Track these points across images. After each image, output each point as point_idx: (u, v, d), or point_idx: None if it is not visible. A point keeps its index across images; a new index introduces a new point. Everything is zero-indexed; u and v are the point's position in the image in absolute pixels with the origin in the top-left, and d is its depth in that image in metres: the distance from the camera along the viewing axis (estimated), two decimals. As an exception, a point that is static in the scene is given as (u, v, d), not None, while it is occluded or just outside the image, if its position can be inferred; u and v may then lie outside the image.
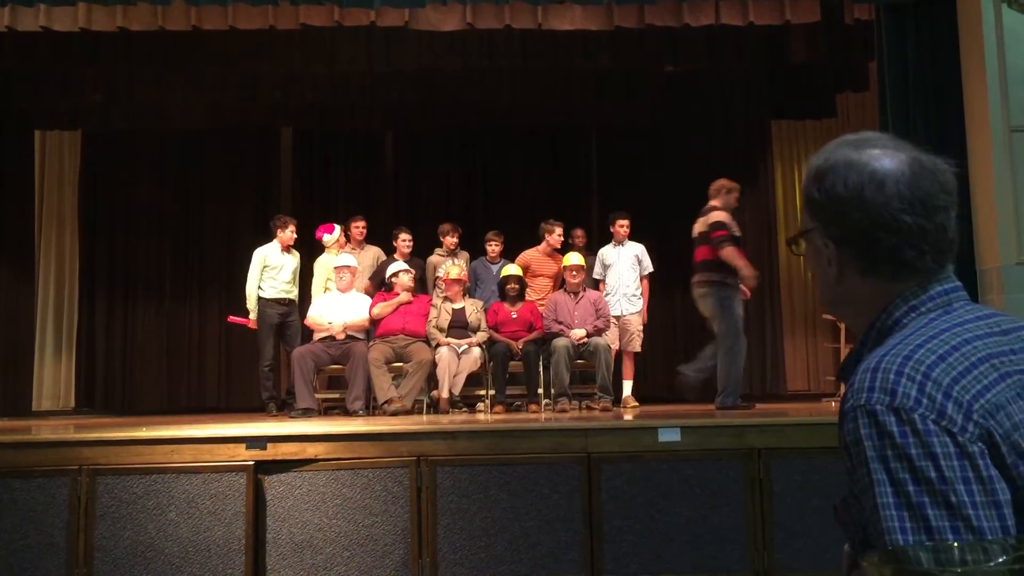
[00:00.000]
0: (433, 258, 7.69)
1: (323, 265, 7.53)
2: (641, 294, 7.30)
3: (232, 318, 7.60)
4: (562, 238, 7.50)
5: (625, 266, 7.27)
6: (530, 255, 7.50)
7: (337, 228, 7.68)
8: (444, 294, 7.14)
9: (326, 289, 7.41)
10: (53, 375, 9.52)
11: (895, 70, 6.20)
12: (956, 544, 0.90)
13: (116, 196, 9.61)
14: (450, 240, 7.62)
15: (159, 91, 8.41)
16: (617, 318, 7.13)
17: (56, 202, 9.70)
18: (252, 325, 7.26)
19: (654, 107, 9.32)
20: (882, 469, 0.98)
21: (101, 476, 4.48)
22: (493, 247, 7.58)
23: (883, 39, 6.24)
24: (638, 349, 7.28)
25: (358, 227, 7.79)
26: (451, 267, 7.17)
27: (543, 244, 7.48)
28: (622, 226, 7.34)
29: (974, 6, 5.91)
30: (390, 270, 7.16)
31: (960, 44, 6.08)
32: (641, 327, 7.27)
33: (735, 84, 8.74)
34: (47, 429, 5.92)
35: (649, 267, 7.37)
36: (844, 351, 7.69)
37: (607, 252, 7.39)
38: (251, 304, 7.21)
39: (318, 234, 7.69)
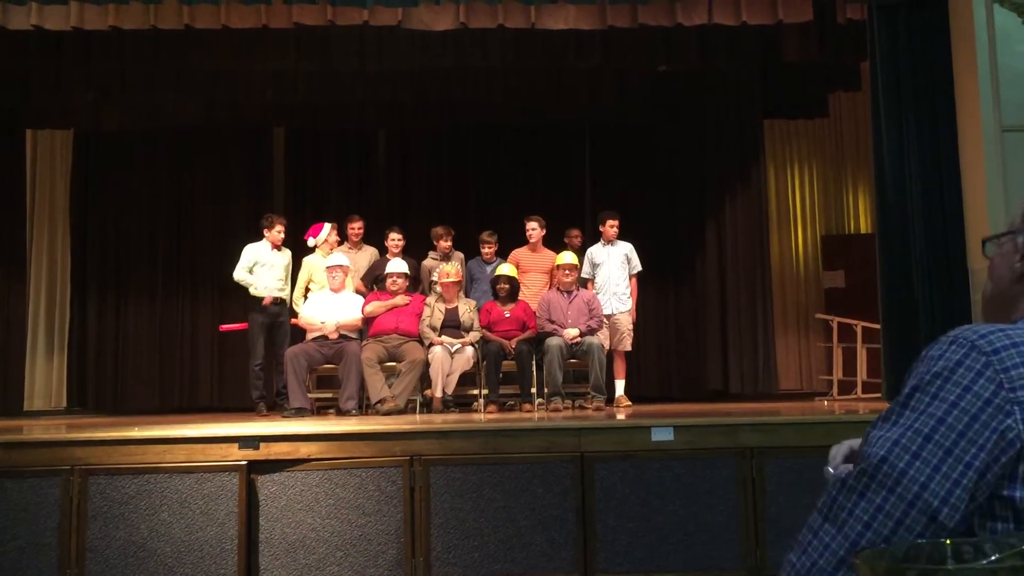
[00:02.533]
0: (427, 262, 7.67)
1: (308, 266, 7.49)
2: (630, 294, 7.31)
3: (224, 327, 7.56)
4: (536, 231, 7.48)
5: (615, 265, 7.28)
6: (519, 253, 7.55)
7: (326, 228, 7.62)
8: (440, 296, 7.12)
9: (308, 290, 7.38)
10: (45, 374, 9.47)
11: (887, 69, 6.23)
12: (949, 541, 0.89)
13: (108, 195, 9.56)
14: (444, 243, 7.61)
15: (151, 90, 8.37)
16: (608, 317, 7.13)
17: (48, 201, 9.65)
18: (244, 326, 7.26)
19: (647, 106, 9.32)
20: (916, 377, 1.02)
21: (93, 476, 4.47)
22: (487, 247, 7.58)
23: (875, 39, 6.26)
24: (628, 348, 7.29)
25: (354, 228, 7.78)
26: (448, 268, 7.14)
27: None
28: (612, 226, 7.34)
29: (966, 5, 5.93)
30: (389, 268, 7.13)
31: (952, 43, 6.11)
32: (631, 326, 7.28)
33: (727, 83, 8.75)
34: (39, 429, 5.90)
35: (638, 266, 7.38)
36: (836, 350, 7.70)
37: (596, 252, 7.39)
38: (247, 281, 7.17)
39: (304, 236, 7.65)
